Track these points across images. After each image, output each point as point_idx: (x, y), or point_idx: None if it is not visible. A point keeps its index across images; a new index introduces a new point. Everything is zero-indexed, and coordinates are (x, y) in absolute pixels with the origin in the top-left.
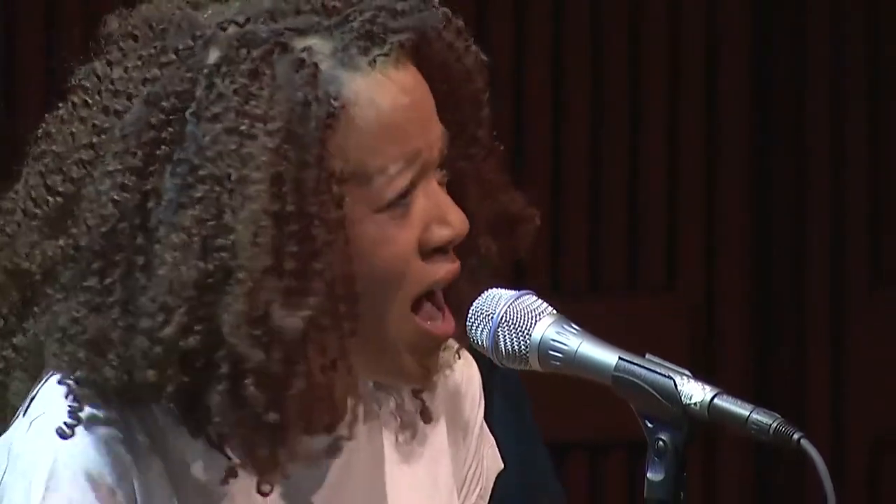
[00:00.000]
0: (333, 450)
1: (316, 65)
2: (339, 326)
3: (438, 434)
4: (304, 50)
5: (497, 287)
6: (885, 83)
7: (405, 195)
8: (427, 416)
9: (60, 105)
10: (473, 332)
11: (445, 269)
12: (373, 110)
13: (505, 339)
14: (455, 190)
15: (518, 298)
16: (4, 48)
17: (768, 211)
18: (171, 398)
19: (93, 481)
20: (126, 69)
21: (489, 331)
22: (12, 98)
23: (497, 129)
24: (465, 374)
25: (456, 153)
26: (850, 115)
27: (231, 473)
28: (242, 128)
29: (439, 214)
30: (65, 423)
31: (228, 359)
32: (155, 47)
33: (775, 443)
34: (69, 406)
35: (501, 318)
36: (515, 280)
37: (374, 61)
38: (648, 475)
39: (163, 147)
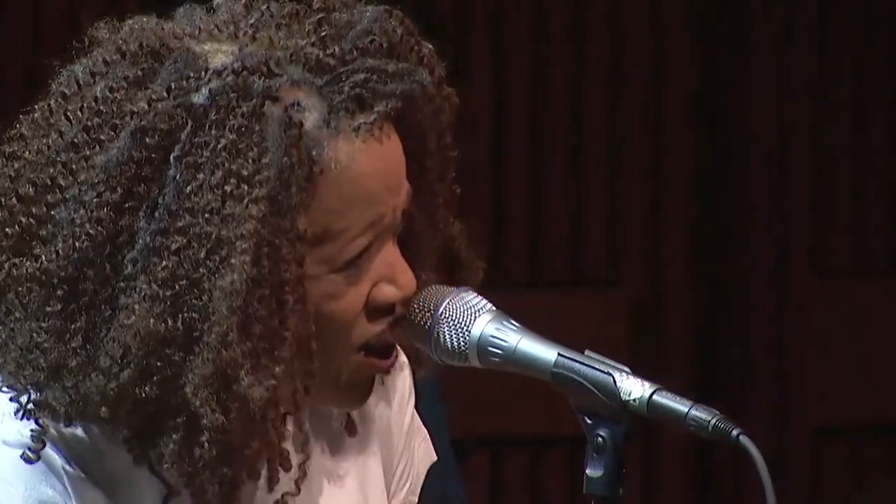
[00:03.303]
0: None
1: (301, 124)
2: (294, 383)
3: (367, 436)
4: (293, 105)
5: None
6: (830, 77)
7: (360, 256)
8: (352, 430)
9: (35, 107)
10: (413, 328)
11: (383, 329)
12: (348, 175)
13: (444, 336)
14: (406, 230)
15: (458, 295)
16: None
17: (712, 206)
18: (121, 430)
19: None
20: (111, 89)
21: (429, 327)
22: None
23: None
24: (394, 369)
25: (413, 200)
26: (795, 114)
27: (169, 498)
28: (228, 188)
29: (390, 274)
30: (29, 449)
31: (186, 413)
32: (143, 69)
33: (714, 439)
34: (32, 431)
35: (441, 315)
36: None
37: (359, 128)
38: (588, 471)
39: (142, 185)
